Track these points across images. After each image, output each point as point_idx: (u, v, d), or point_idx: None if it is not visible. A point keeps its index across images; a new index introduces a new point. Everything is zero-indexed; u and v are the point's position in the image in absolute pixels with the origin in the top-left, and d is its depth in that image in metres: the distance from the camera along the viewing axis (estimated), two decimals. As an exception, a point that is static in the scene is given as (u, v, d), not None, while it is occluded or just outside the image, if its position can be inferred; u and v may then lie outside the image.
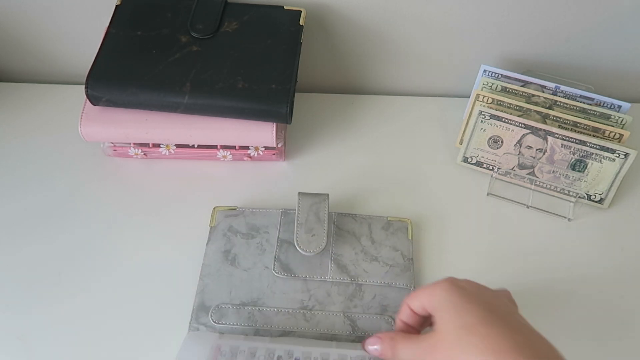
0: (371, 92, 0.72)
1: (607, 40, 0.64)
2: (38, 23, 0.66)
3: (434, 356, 0.36)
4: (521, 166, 0.60)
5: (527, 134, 0.58)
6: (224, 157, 0.60)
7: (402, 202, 0.59)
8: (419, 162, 0.63)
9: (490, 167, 0.62)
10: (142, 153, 0.60)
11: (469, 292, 0.37)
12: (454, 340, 0.35)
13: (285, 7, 0.60)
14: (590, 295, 0.53)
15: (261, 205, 0.57)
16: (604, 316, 0.51)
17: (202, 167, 0.61)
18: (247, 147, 0.59)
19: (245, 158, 0.60)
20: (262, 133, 0.56)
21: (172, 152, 0.59)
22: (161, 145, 0.59)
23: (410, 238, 0.54)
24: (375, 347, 0.42)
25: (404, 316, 0.42)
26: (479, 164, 0.62)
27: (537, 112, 0.58)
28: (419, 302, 0.40)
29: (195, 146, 0.59)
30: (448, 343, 0.35)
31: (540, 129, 0.57)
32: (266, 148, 0.59)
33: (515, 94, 0.60)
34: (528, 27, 0.63)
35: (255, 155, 0.60)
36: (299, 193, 0.54)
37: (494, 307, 0.37)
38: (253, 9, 0.59)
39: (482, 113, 0.58)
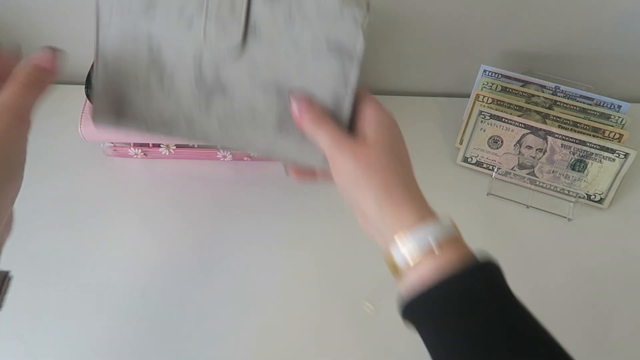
0: (371, 92, 0.72)
1: (607, 40, 0.65)
2: (38, 23, 0.66)
3: (354, 152, 0.38)
4: (521, 166, 0.60)
5: (527, 134, 0.58)
6: (224, 157, 0.60)
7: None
8: (419, 162, 0.63)
9: (490, 167, 0.62)
10: (142, 153, 0.60)
11: (401, 138, 0.41)
12: (379, 155, 0.37)
13: None
14: (590, 295, 0.53)
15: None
16: (603, 316, 0.51)
17: (202, 167, 0.61)
18: None
19: (245, 158, 0.60)
20: None
21: (172, 152, 0.59)
22: (161, 145, 0.59)
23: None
24: (297, 107, 0.40)
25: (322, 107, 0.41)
26: (479, 164, 0.62)
27: (537, 112, 0.58)
28: (358, 107, 0.41)
29: (196, 146, 0.59)
30: (374, 152, 0.37)
31: (540, 129, 0.57)
32: None
33: (515, 94, 0.60)
34: (528, 27, 0.63)
35: (256, 155, 0.60)
36: None
37: (407, 157, 0.41)
38: None
39: (482, 113, 0.58)
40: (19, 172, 0.33)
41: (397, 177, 0.37)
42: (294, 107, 0.40)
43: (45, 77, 0.35)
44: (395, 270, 0.36)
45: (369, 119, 0.40)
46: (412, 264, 0.34)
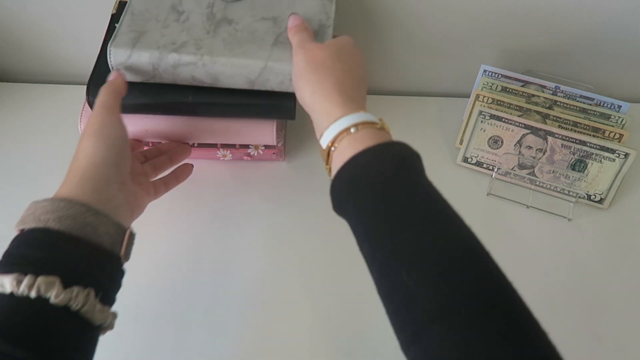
0: (371, 92, 0.71)
1: (607, 40, 0.64)
2: (38, 23, 0.66)
3: (306, 52, 0.45)
4: (521, 166, 0.60)
5: (527, 134, 0.58)
6: (224, 156, 0.60)
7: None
8: (419, 162, 0.63)
9: (490, 167, 0.62)
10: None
11: (352, 51, 0.47)
12: (322, 59, 0.44)
13: None
14: (590, 295, 0.53)
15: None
16: (603, 316, 0.51)
17: (201, 166, 0.60)
18: (247, 146, 0.59)
19: (245, 157, 0.60)
20: (263, 131, 0.56)
21: None
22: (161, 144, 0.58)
23: None
24: (291, 19, 0.50)
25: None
26: (479, 164, 0.62)
27: (537, 112, 0.58)
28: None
29: (195, 145, 0.58)
30: (321, 55, 0.44)
31: (540, 129, 0.57)
32: (266, 147, 0.59)
33: (515, 94, 0.60)
34: (528, 27, 0.63)
35: (256, 154, 0.59)
36: None
37: (356, 65, 0.46)
38: None
39: (482, 113, 0.58)
40: (123, 144, 0.43)
41: (336, 76, 0.42)
42: (289, 20, 0.49)
43: (119, 85, 0.47)
44: (326, 160, 0.40)
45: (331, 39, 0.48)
46: (332, 147, 0.39)
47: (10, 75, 0.72)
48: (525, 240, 0.57)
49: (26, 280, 0.32)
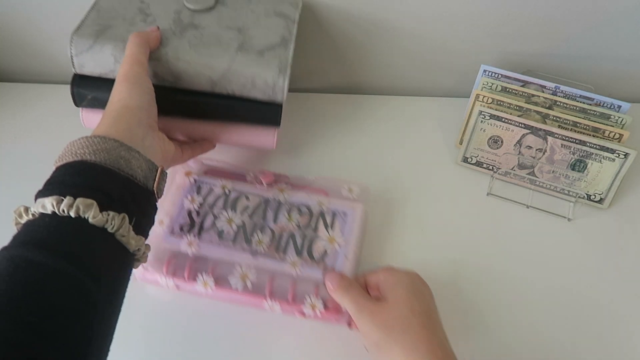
0: (371, 92, 0.72)
1: (607, 40, 0.65)
2: (38, 23, 0.66)
3: (374, 318, 0.41)
4: (521, 166, 0.60)
5: (527, 134, 0.58)
6: (272, 308, 0.48)
7: (402, 202, 0.59)
8: (419, 162, 0.63)
9: (490, 167, 0.62)
10: (175, 285, 0.49)
11: (426, 290, 0.44)
12: (399, 316, 0.40)
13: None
14: (590, 295, 0.53)
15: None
16: (603, 316, 0.51)
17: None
18: (302, 301, 0.47)
19: (297, 314, 0.48)
20: (264, 132, 0.55)
21: (211, 290, 0.48)
22: (197, 279, 0.48)
23: None
24: (330, 280, 0.46)
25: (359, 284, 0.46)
26: (479, 164, 0.62)
27: (537, 112, 0.58)
28: (377, 278, 0.45)
29: (239, 289, 0.48)
30: (394, 314, 0.40)
31: (540, 129, 0.57)
32: (326, 308, 0.47)
33: (515, 94, 0.60)
34: (528, 27, 0.63)
35: (312, 314, 0.48)
36: None
37: (427, 307, 0.42)
38: None
39: (482, 113, 0.58)
40: (152, 93, 0.45)
41: (420, 332, 0.39)
42: (328, 282, 0.46)
43: (152, 39, 0.49)
44: None
45: (387, 283, 0.43)
46: None
47: (10, 75, 0.72)
48: (525, 240, 0.57)
49: (66, 200, 0.34)
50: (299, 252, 0.50)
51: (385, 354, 0.39)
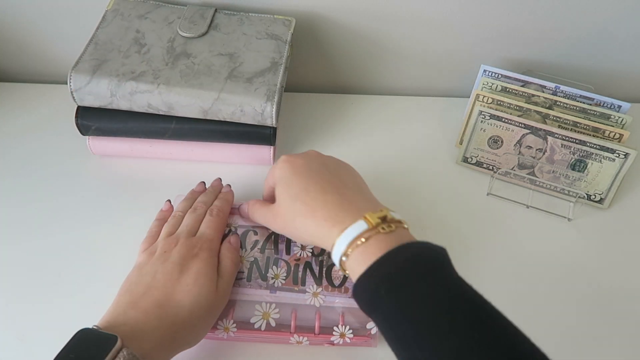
0: (371, 92, 0.72)
1: (607, 40, 0.65)
2: (38, 23, 0.66)
3: (276, 221, 0.45)
4: (521, 166, 0.60)
5: (527, 134, 0.58)
6: (299, 342, 0.47)
7: (402, 201, 0.59)
8: (419, 162, 0.63)
9: (490, 167, 0.62)
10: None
11: (297, 166, 0.45)
12: (287, 208, 0.43)
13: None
14: (590, 295, 0.53)
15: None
16: (603, 316, 0.51)
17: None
18: (330, 332, 0.46)
19: (326, 344, 0.47)
20: (260, 152, 0.59)
21: (232, 334, 0.46)
22: (218, 326, 0.46)
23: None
24: (243, 206, 0.51)
25: (265, 193, 0.50)
26: (479, 164, 0.62)
27: (537, 112, 0.58)
28: (268, 181, 0.48)
29: (262, 329, 0.46)
30: (284, 210, 0.44)
31: (540, 129, 0.57)
32: (355, 333, 0.46)
33: (515, 94, 0.60)
34: (528, 27, 0.63)
35: (341, 342, 0.47)
36: None
37: (318, 176, 0.44)
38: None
39: (482, 113, 0.58)
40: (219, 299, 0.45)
41: (310, 207, 0.42)
42: (244, 207, 0.51)
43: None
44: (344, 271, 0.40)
45: (274, 182, 0.46)
46: (345, 259, 0.38)
47: (10, 75, 0.72)
48: (525, 240, 0.57)
49: None
50: (318, 281, 0.48)
51: (293, 236, 0.46)
